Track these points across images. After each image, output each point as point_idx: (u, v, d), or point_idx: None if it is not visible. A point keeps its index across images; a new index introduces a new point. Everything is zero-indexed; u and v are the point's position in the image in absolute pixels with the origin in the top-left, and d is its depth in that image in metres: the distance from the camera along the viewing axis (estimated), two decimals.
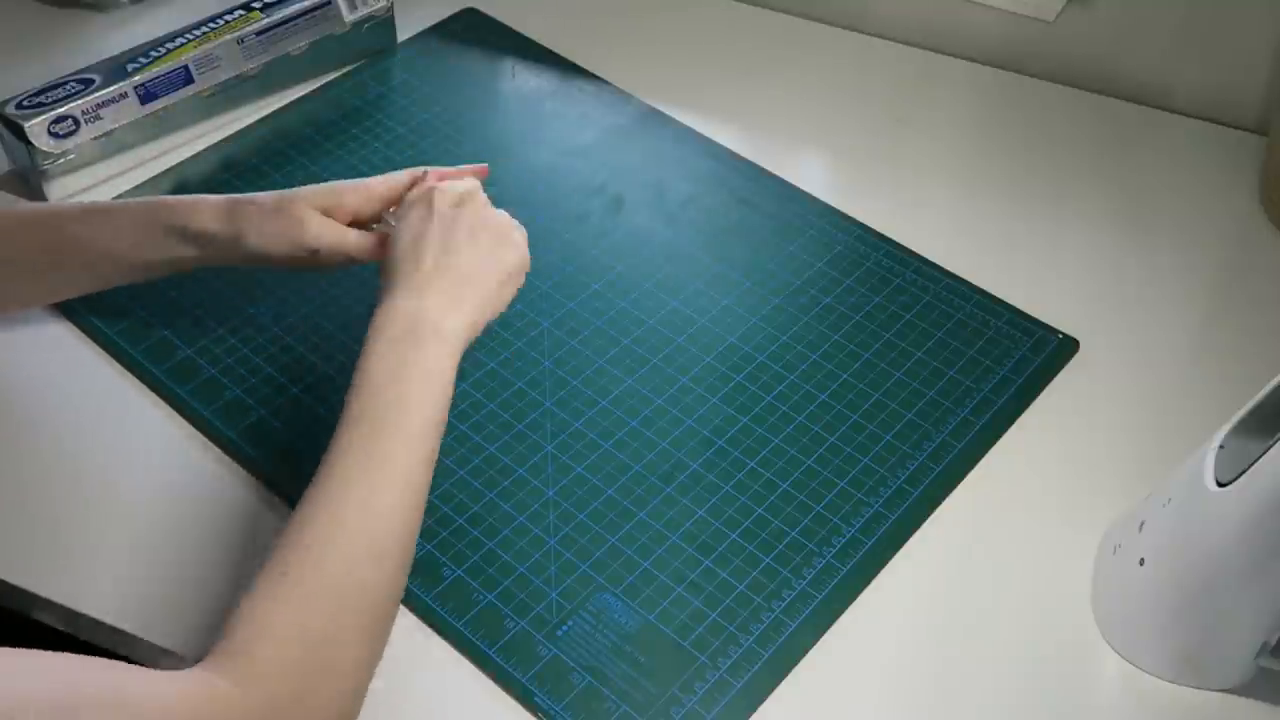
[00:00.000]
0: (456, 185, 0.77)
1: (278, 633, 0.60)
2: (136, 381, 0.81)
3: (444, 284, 0.72)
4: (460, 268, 0.73)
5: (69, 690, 0.52)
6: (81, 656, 0.54)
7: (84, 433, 0.78)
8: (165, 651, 0.68)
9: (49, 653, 0.53)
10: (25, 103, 0.90)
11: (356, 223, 0.79)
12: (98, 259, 0.78)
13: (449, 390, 0.69)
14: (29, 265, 0.79)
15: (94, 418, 0.79)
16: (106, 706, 0.52)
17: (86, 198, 0.93)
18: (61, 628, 0.71)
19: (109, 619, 0.69)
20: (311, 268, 0.78)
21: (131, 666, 0.56)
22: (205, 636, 0.67)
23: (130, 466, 0.77)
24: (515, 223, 0.78)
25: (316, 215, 0.77)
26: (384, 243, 0.76)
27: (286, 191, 0.77)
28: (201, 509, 0.75)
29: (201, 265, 0.79)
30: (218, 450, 0.78)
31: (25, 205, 0.81)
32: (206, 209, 0.77)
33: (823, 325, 0.87)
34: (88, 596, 0.70)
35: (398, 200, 0.79)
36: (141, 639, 0.68)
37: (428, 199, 0.76)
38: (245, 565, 0.72)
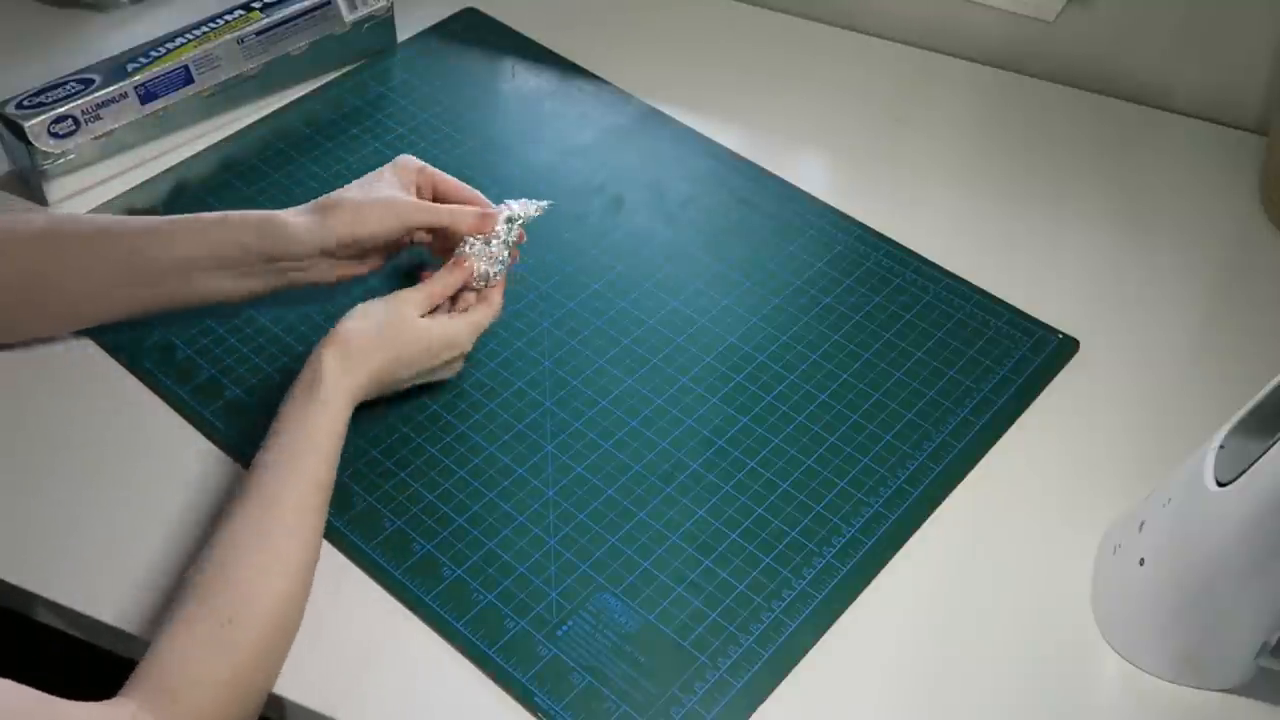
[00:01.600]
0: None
1: (214, 678, 0.61)
2: (137, 382, 0.81)
3: (375, 387, 0.75)
4: (399, 376, 0.76)
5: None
6: (16, 685, 0.56)
7: (83, 432, 0.78)
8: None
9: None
10: (25, 103, 0.90)
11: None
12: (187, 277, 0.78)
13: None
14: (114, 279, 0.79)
15: (93, 416, 0.79)
16: None
17: (86, 198, 0.93)
18: (63, 628, 0.71)
19: (109, 619, 0.69)
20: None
21: (59, 701, 0.57)
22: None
23: (130, 466, 0.77)
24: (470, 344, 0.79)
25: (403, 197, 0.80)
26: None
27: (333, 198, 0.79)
28: (200, 507, 0.75)
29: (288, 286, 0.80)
30: (218, 450, 0.77)
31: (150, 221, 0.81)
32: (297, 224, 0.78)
33: (823, 325, 0.87)
34: (88, 596, 0.70)
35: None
36: (140, 639, 0.68)
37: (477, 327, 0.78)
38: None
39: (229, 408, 0.79)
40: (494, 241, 0.79)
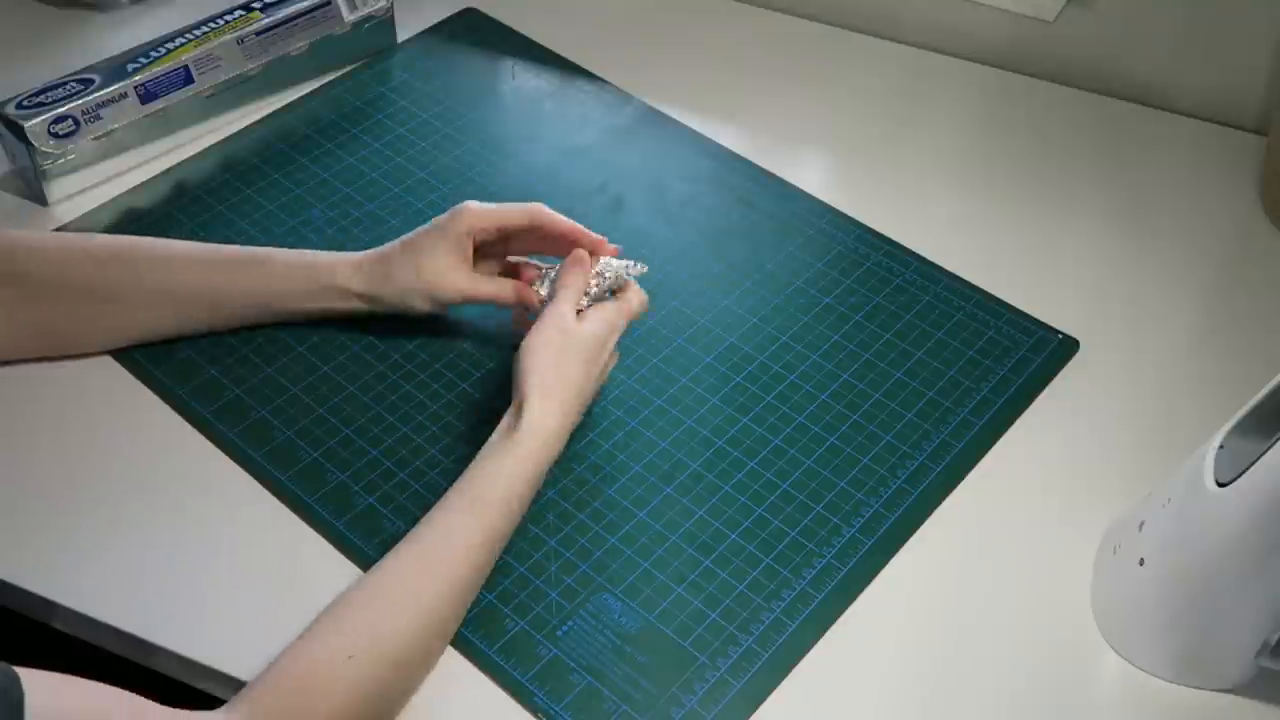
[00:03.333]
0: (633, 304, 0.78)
1: (325, 711, 0.61)
2: (137, 382, 0.81)
3: (571, 404, 0.72)
4: (588, 396, 0.75)
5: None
6: (114, 689, 0.56)
7: (83, 431, 0.78)
8: (181, 659, 0.68)
9: (87, 681, 0.56)
10: (25, 103, 0.90)
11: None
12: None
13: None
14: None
15: (93, 416, 0.79)
16: None
17: (86, 198, 0.93)
18: (76, 635, 0.71)
19: (122, 625, 0.69)
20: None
21: (159, 708, 0.57)
22: (215, 641, 0.68)
23: (129, 466, 0.77)
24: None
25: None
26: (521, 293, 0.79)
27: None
28: (201, 509, 0.75)
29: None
30: (217, 450, 0.77)
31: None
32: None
33: (823, 325, 0.86)
34: (97, 602, 0.70)
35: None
36: (154, 644, 0.68)
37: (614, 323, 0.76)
38: (243, 564, 0.72)
39: (228, 407, 0.79)
40: (594, 293, 0.77)
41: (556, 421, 0.71)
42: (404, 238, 0.80)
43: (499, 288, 0.80)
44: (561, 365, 0.72)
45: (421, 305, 0.80)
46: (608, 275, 0.77)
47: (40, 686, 0.52)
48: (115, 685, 0.57)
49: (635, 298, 0.78)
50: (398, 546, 0.67)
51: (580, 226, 0.79)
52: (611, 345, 0.76)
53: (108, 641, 0.70)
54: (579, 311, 0.75)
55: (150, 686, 0.60)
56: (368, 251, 0.81)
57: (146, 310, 0.80)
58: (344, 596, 0.65)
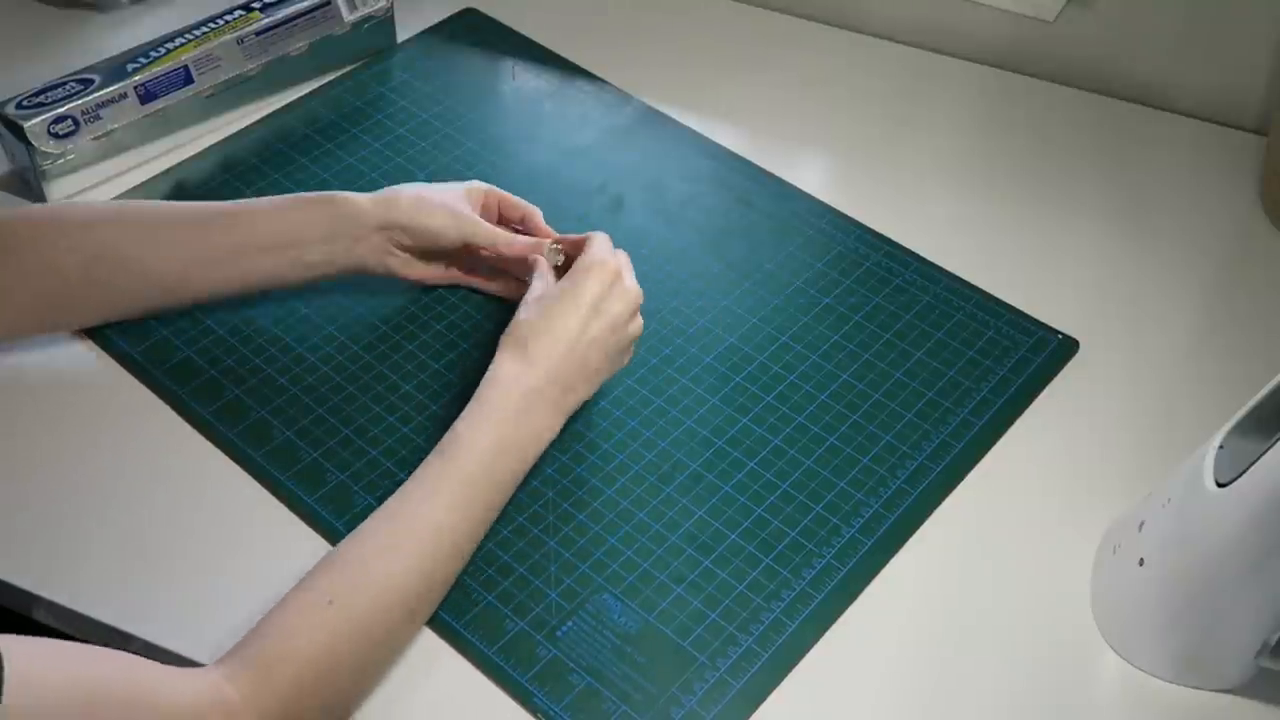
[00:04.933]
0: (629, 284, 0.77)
1: (303, 656, 0.61)
2: (137, 382, 0.81)
3: (568, 372, 0.73)
4: (589, 365, 0.74)
5: (96, 683, 0.55)
6: (106, 650, 0.57)
7: (82, 430, 0.78)
8: (166, 652, 0.68)
9: (73, 644, 0.56)
10: (25, 103, 0.90)
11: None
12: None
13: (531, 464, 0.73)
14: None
15: (93, 415, 0.79)
16: (128, 704, 0.55)
17: (86, 198, 0.93)
18: (61, 628, 0.71)
19: (109, 619, 0.69)
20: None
21: (150, 664, 0.58)
22: (205, 635, 0.67)
23: (129, 466, 0.77)
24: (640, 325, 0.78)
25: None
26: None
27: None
28: (200, 507, 0.75)
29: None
30: (217, 450, 0.77)
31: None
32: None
33: (823, 325, 0.86)
34: (87, 596, 0.70)
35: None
36: (139, 638, 0.68)
37: (610, 277, 0.76)
38: (242, 564, 0.72)
39: (228, 408, 0.79)
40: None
41: (519, 368, 0.71)
42: None
43: (509, 235, 0.82)
44: (537, 320, 0.73)
45: (442, 225, 0.80)
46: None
47: (21, 654, 0.52)
48: None
49: (599, 236, 0.79)
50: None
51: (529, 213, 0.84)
52: (608, 276, 0.75)
53: (90, 635, 0.70)
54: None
55: None
56: None
57: (152, 266, 0.80)
58: (328, 553, 0.66)
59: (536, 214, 0.85)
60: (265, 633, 0.62)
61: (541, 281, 0.77)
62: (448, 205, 0.81)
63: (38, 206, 0.85)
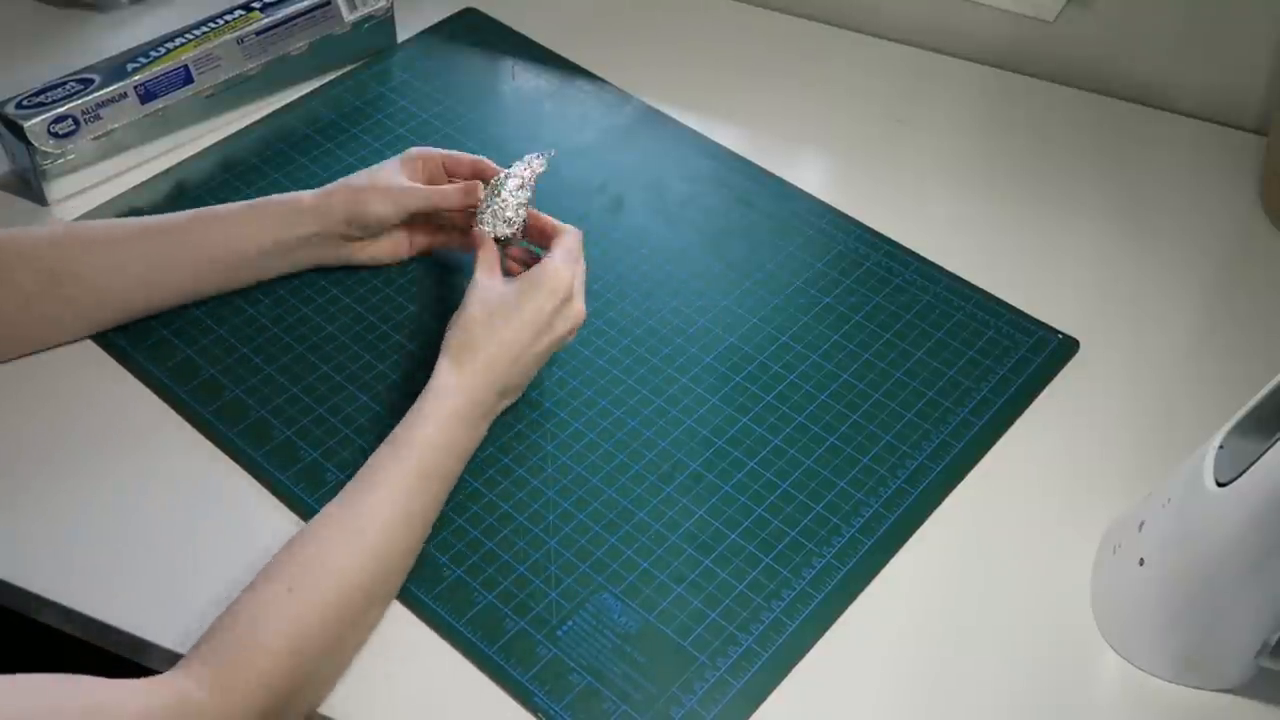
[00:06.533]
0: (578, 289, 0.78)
1: (271, 646, 0.61)
2: (137, 382, 0.81)
3: (508, 382, 0.75)
4: (527, 374, 0.77)
5: (51, 712, 0.54)
6: (41, 677, 0.55)
7: (82, 430, 0.78)
8: (167, 653, 0.68)
9: (26, 675, 0.54)
10: (25, 103, 0.90)
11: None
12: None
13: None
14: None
15: (92, 415, 0.79)
16: None
17: (86, 198, 0.93)
18: (61, 628, 0.71)
19: (109, 619, 0.69)
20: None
21: (106, 681, 0.57)
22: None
23: (129, 465, 0.77)
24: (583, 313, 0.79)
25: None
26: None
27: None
28: (199, 507, 0.75)
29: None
30: (218, 450, 0.77)
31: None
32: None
33: (823, 325, 0.87)
34: (88, 597, 0.70)
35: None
36: (140, 638, 0.68)
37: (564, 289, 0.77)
38: (241, 563, 0.72)
39: (228, 407, 0.79)
40: (497, 207, 0.80)
41: (463, 380, 0.73)
42: None
43: (441, 189, 0.83)
44: (485, 329, 0.74)
45: (380, 209, 0.82)
46: (512, 180, 0.81)
47: None
48: (69, 668, 0.56)
49: (568, 238, 0.79)
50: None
51: (467, 159, 0.85)
52: (551, 304, 0.75)
53: (61, 623, 0.70)
54: (515, 261, 0.81)
55: (107, 667, 0.60)
56: None
57: (107, 282, 0.80)
58: (284, 545, 0.67)
59: (484, 163, 0.85)
60: (227, 626, 0.62)
61: (486, 275, 0.77)
62: (381, 185, 0.82)
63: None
